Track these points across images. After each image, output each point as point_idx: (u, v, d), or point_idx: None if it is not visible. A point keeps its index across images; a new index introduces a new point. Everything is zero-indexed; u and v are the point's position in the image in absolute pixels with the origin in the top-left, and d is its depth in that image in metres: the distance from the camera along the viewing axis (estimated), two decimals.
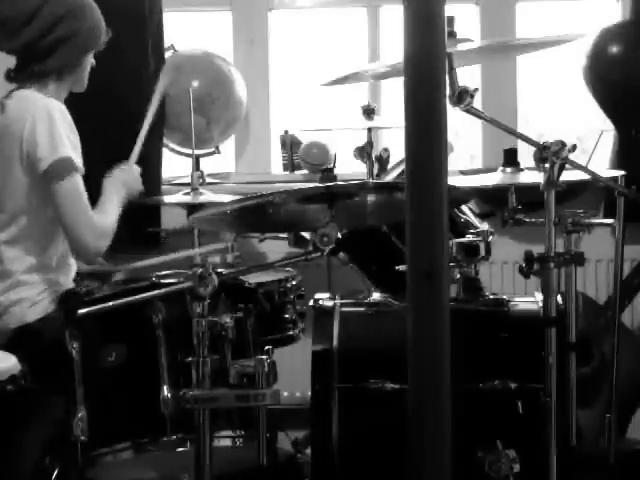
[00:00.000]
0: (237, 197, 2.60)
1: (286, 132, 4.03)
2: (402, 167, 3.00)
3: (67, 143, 2.52)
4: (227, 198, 3.15)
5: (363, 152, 3.16)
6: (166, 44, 3.85)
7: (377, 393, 2.49)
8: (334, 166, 3.80)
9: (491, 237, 2.67)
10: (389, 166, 3.13)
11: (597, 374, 3.38)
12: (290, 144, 4.01)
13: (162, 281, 2.50)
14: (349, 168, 3.74)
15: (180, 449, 2.25)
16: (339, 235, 2.06)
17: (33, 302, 2.57)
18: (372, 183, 2.76)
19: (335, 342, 2.56)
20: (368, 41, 4.13)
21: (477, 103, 2.30)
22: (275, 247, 3.50)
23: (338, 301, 2.67)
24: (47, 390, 2.37)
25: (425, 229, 1.29)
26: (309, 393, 2.55)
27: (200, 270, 1.90)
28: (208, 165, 3.87)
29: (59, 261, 2.63)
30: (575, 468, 2.40)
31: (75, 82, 2.72)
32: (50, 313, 2.57)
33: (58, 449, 2.44)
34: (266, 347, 2.01)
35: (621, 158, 3.83)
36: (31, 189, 2.56)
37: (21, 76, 2.66)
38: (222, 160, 4.05)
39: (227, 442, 2.29)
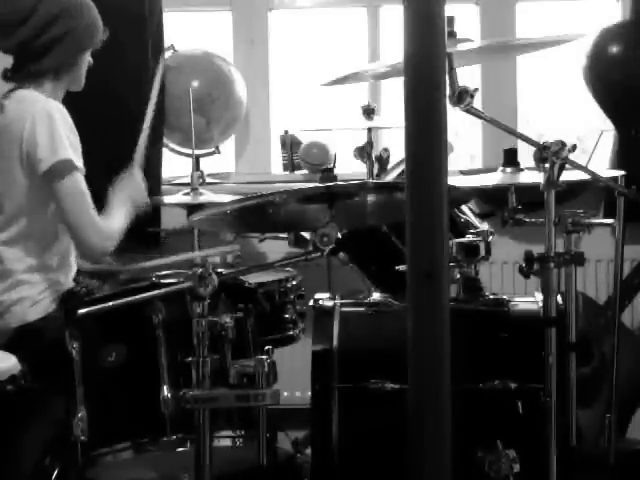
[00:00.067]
0: (237, 197, 2.61)
1: (286, 132, 4.03)
2: (402, 167, 3.00)
3: (67, 144, 2.52)
4: (227, 198, 3.15)
5: (363, 152, 3.16)
6: (166, 44, 3.85)
7: (377, 393, 2.49)
8: (334, 166, 3.80)
9: (491, 237, 2.67)
10: (389, 166, 3.13)
11: (597, 374, 3.38)
12: (290, 144, 4.01)
13: (162, 281, 2.50)
14: (349, 168, 3.75)
15: (180, 449, 2.25)
16: (339, 235, 2.06)
17: (34, 301, 2.57)
18: (372, 183, 2.76)
19: (335, 342, 2.56)
20: (368, 41, 4.13)
21: (477, 103, 2.29)
22: (275, 247, 3.50)
23: (338, 301, 2.67)
24: (47, 390, 2.37)
25: (425, 229, 1.29)
26: (309, 393, 2.55)
27: (200, 270, 1.90)
28: (208, 165, 3.87)
29: (60, 261, 2.63)
30: (575, 468, 2.40)
31: (72, 81, 2.71)
32: (51, 312, 2.57)
33: (58, 449, 2.44)
34: (266, 347, 2.01)
35: (621, 158, 3.83)
36: (31, 190, 2.56)
37: (17, 76, 2.66)
38: (222, 160, 4.05)
39: (227, 442, 2.29)
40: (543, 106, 4.23)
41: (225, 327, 1.99)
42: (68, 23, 2.64)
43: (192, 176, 3.37)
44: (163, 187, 3.81)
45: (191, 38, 4.03)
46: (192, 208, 3.26)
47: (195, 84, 3.72)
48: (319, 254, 2.05)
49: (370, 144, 3.17)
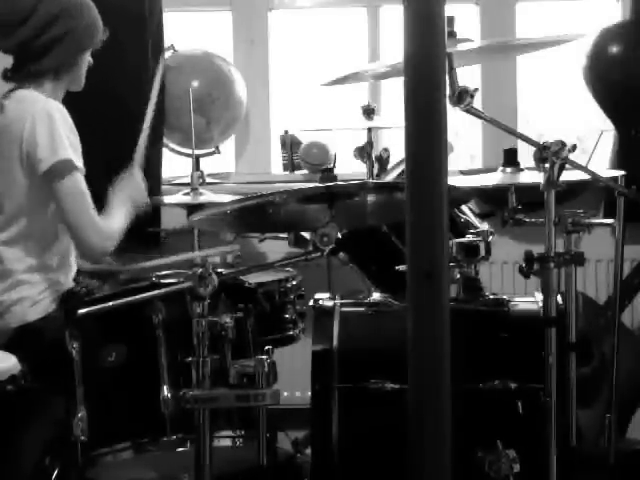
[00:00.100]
0: (237, 197, 2.61)
1: (286, 132, 4.03)
2: (402, 167, 3.00)
3: (67, 144, 2.52)
4: (227, 198, 3.15)
5: (363, 152, 3.16)
6: (166, 44, 3.85)
7: (377, 393, 2.49)
8: (334, 166, 3.80)
9: (491, 237, 2.67)
10: (389, 166, 3.13)
11: (597, 374, 3.38)
12: (290, 144, 4.01)
13: (162, 281, 2.50)
14: (349, 168, 3.75)
15: (180, 449, 2.25)
16: (339, 235, 2.06)
17: (34, 301, 2.56)
18: (372, 183, 2.76)
19: (335, 342, 2.56)
20: (368, 41, 4.13)
21: (477, 103, 2.29)
22: (275, 247, 3.50)
23: (338, 301, 2.67)
24: (47, 390, 2.37)
25: (425, 229, 1.29)
26: (309, 393, 2.55)
27: (200, 270, 1.90)
28: (208, 165, 3.87)
29: (60, 261, 2.63)
30: (575, 468, 2.40)
31: (72, 81, 2.71)
32: (51, 312, 2.57)
33: (58, 449, 2.44)
34: (266, 347, 2.01)
35: (621, 158, 3.83)
36: (31, 190, 2.56)
37: (17, 76, 2.65)
38: (222, 160, 4.05)
39: (227, 442, 2.29)
40: (543, 106, 4.23)
41: (225, 327, 1.99)
42: (68, 23, 2.64)
43: (192, 176, 3.37)
44: (163, 187, 3.81)
45: (191, 38, 4.03)
46: (192, 208, 3.26)
47: (195, 84, 3.72)
48: (319, 254, 2.05)
49: (370, 144, 3.17)
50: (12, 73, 2.66)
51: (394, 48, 3.93)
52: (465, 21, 3.08)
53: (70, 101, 2.70)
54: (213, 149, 3.94)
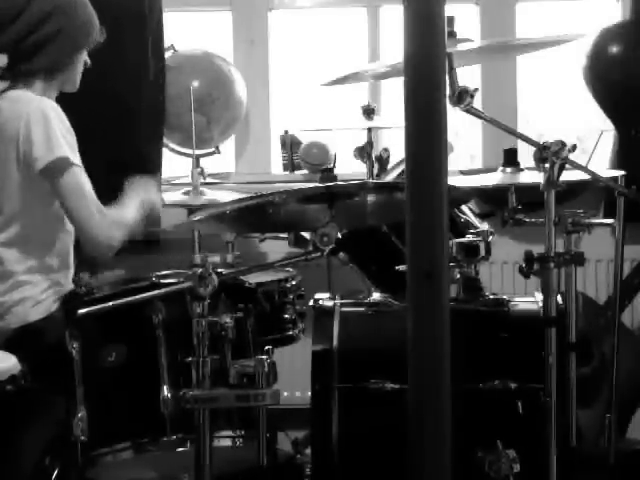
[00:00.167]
0: (238, 195, 2.60)
1: (286, 132, 4.03)
2: (402, 167, 3.00)
3: (63, 142, 2.49)
4: (228, 195, 3.15)
5: (363, 152, 3.16)
6: (166, 44, 3.85)
7: (377, 393, 2.49)
8: (334, 166, 3.80)
9: (491, 237, 2.68)
10: (389, 166, 3.13)
11: (597, 374, 3.38)
12: (290, 144, 4.01)
13: (162, 281, 2.50)
14: (349, 168, 3.74)
15: (180, 449, 2.25)
16: (339, 235, 2.06)
17: (36, 301, 2.55)
18: (372, 183, 2.76)
19: (335, 342, 2.56)
20: (368, 41, 4.13)
21: (477, 103, 2.30)
22: (275, 247, 3.50)
23: (338, 301, 2.67)
24: (47, 390, 2.37)
25: (425, 229, 1.29)
26: (309, 393, 2.55)
27: (200, 270, 1.90)
28: (208, 165, 3.87)
29: (60, 262, 2.62)
30: (575, 468, 2.40)
31: (66, 81, 2.67)
32: (53, 312, 2.56)
33: (58, 449, 2.44)
34: (266, 347, 2.01)
35: (621, 158, 3.83)
36: (29, 190, 2.54)
37: (9, 74, 2.61)
38: (222, 160, 4.05)
39: (227, 442, 2.29)
40: (543, 106, 4.23)
41: (225, 327, 1.99)
42: (61, 21, 2.60)
43: (192, 173, 3.36)
44: (163, 187, 3.80)
45: (191, 38, 4.03)
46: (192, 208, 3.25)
47: (195, 84, 3.72)
48: (319, 254, 2.05)
49: (370, 144, 3.17)
50: (5, 72, 2.62)
51: (394, 48, 3.93)
52: (465, 21, 3.08)
53: (69, 100, 2.68)
54: (213, 149, 3.94)
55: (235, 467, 2.24)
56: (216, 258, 2.91)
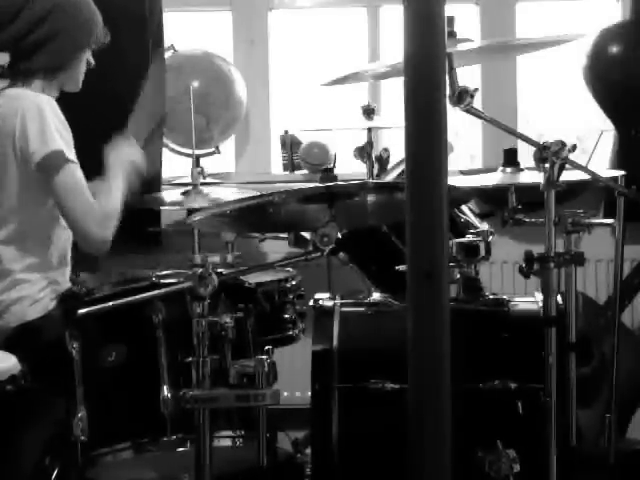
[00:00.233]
0: (238, 195, 2.60)
1: (286, 132, 4.03)
2: (402, 167, 3.00)
3: (57, 137, 2.48)
4: (229, 194, 3.15)
5: (363, 152, 3.16)
6: (166, 44, 3.85)
7: (377, 393, 2.49)
8: (334, 166, 3.80)
9: (491, 237, 2.67)
10: (389, 166, 3.13)
11: (597, 374, 3.38)
12: (290, 144, 4.01)
13: (162, 281, 2.49)
14: (349, 168, 3.74)
15: (180, 449, 2.26)
16: (339, 235, 2.06)
17: (34, 300, 2.55)
18: (372, 183, 2.76)
19: (335, 342, 2.56)
20: (368, 41, 4.13)
21: (477, 103, 2.29)
22: (275, 247, 3.50)
23: (338, 301, 2.67)
24: (47, 390, 2.37)
25: (425, 229, 1.29)
26: (309, 393, 2.55)
27: (200, 270, 1.90)
28: (208, 165, 3.87)
29: (58, 260, 2.62)
30: (575, 468, 2.40)
31: (68, 81, 2.66)
32: (50, 311, 2.56)
33: (58, 449, 2.44)
34: (266, 347, 2.01)
35: (621, 158, 3.83)
36: (26, 187, 2.54)
37: (8, 73, 2.60)
38: (222, 160, 4.05)
39: (227, 442, 2.29)
40: (543, 106, 4.23)
41: (225, 327, 1.99)
42: (62, 20, 2.59)
43: (192, 172, 3.36)
44: (163, 187, 3.81)
45: (191, 38, 4.03)
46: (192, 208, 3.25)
47: (195, 84, 3.72)
48: (319, 254, 2.05)
49: (370, 144, 3.17)
50: (5, 70, 2.61)
51: (394, 48, 3.93)
52: (465, 21, 3.08)
53: (69, 101, 2.68)
54: (213, 149, 3.94)
55: (235, 467, 2.24)
56: (216, 258, 2.91)
